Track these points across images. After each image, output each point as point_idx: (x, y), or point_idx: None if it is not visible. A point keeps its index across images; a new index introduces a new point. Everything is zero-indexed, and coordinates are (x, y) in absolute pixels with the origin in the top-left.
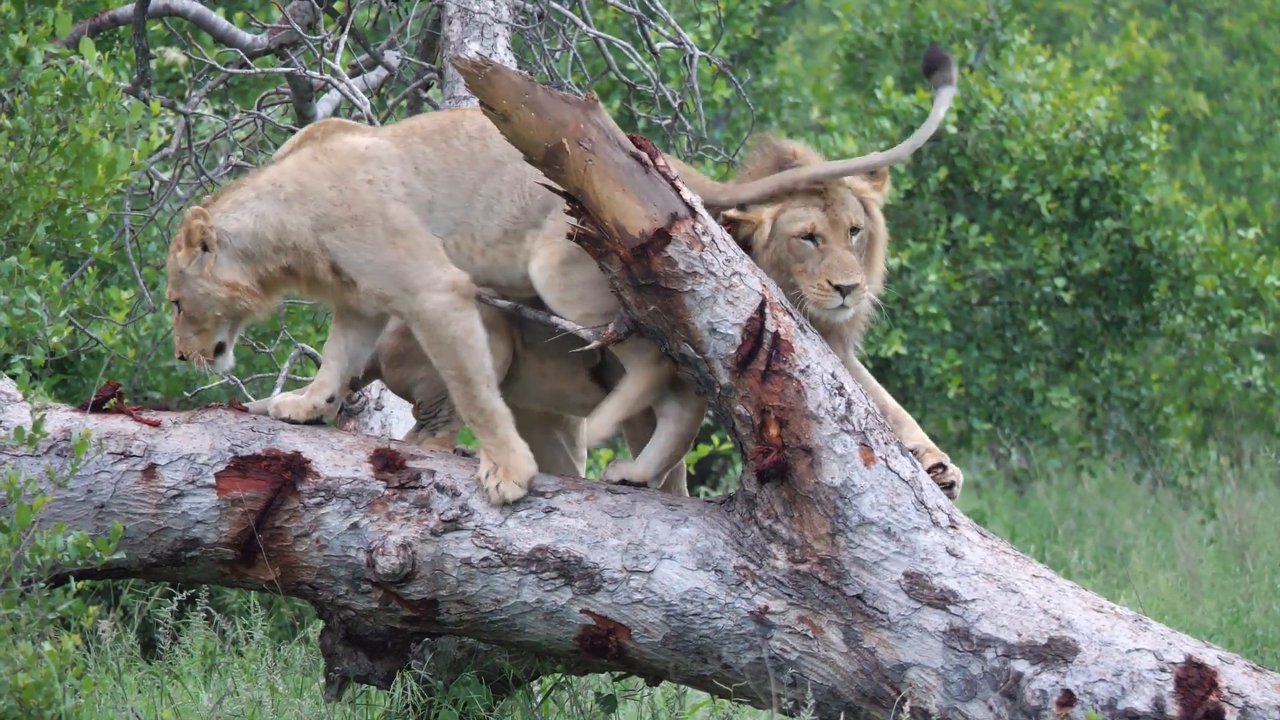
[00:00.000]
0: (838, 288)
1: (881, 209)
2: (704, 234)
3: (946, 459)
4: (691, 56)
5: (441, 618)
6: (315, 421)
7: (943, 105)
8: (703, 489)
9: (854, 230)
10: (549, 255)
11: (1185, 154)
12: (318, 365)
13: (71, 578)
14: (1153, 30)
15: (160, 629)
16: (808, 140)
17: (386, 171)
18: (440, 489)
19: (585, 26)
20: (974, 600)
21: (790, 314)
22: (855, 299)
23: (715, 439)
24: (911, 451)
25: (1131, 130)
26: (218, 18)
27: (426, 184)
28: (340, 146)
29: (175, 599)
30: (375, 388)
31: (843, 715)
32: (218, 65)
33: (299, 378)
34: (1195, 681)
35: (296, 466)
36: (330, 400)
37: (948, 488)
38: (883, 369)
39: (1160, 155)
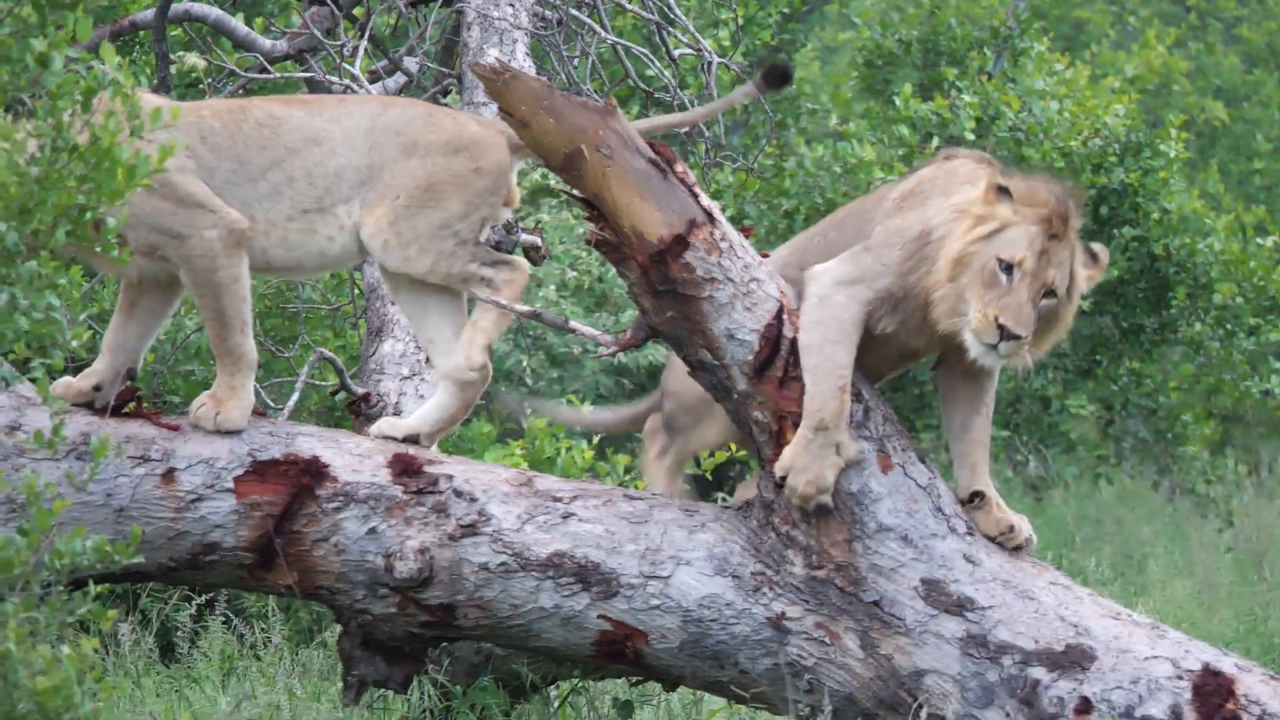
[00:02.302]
0: (1002, 328)
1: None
2: (722, 240)
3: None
4: (710, 63)
5: (459, 623)
6: (86, 405)
7: (739, 94)
8: (720, 495)
9: (1050, 293)
10: (376, 221)
11: (1204, 162)
12: (336, 370)
13: (90, 581)
14: (1171, 38)
15: (179, 633)
16: (826, 147)
17: (169, 132)
18: (458, 494)
19: (604, 33)
20: (991, 607)
21: None
22: (1010, 350)
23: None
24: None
25: (1150, 138)
26: (237, 23)
27: (212, 154)
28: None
29: (194, 603)
30: (394, 392)
31: None
32: (237, 70)
33: (318, 383)
34: (1212, 689)
35: (314, 471)
36: (97, 389)
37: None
38: (900, 376)
39: (1179, 163)
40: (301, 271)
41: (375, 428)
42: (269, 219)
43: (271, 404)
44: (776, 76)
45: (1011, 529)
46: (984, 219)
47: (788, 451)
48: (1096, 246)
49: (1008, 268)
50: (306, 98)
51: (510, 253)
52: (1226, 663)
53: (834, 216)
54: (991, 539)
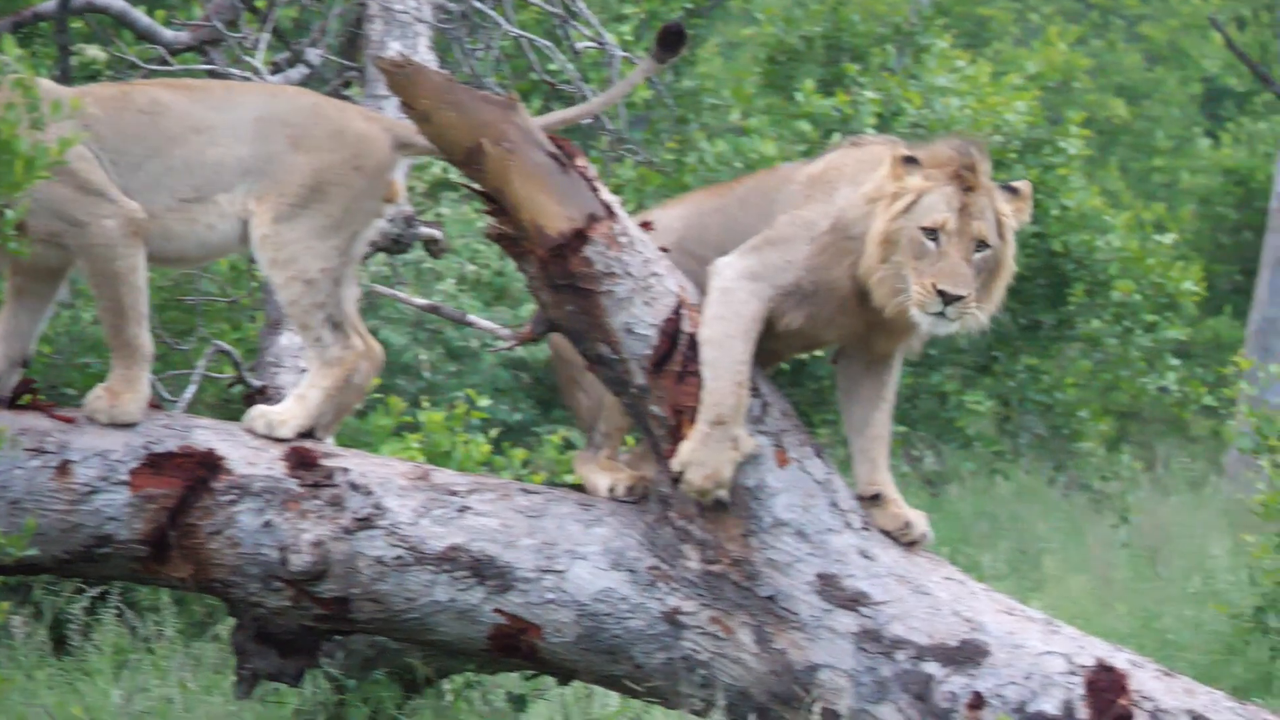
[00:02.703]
0: (942, 294)
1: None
2: (622, 235)
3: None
4: (613, 57)
5: (354, 616)
6: None
7: (638, 74)
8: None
9: (981, 245)
10: (263, 214)
11: (1104, 159)
12: (233, 363)
13: None
14: (1073, 35)
15: (72, 625)
16: (728, 142)
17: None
18: (354, 487)
19: (507, 26)
20: (886, 602)
21: None
22: (958, 312)
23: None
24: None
25: (1050, 135)
26: (139, 14)
27: (94, 142)
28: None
29: (87, 595)
30: (291, 385)
31: (753, 716)
32: (139, 62)
33: (215, 375)
34: (1106, 685)
35: (210, 464)
36: None
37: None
38: (799, 370)
39: (1079, 160)
40: (185, 263)
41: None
42: (150, 209)
43: (168, 396)
44: (671, 39)
45: (908, 525)
46: (898, 194)
47: (685, 446)
48: (1016, 183)
49: (932, 234)
50: (193, 82)
51: (410, 246)
52: (1120, 658)
53: (735, 190)
54: (889, 534)
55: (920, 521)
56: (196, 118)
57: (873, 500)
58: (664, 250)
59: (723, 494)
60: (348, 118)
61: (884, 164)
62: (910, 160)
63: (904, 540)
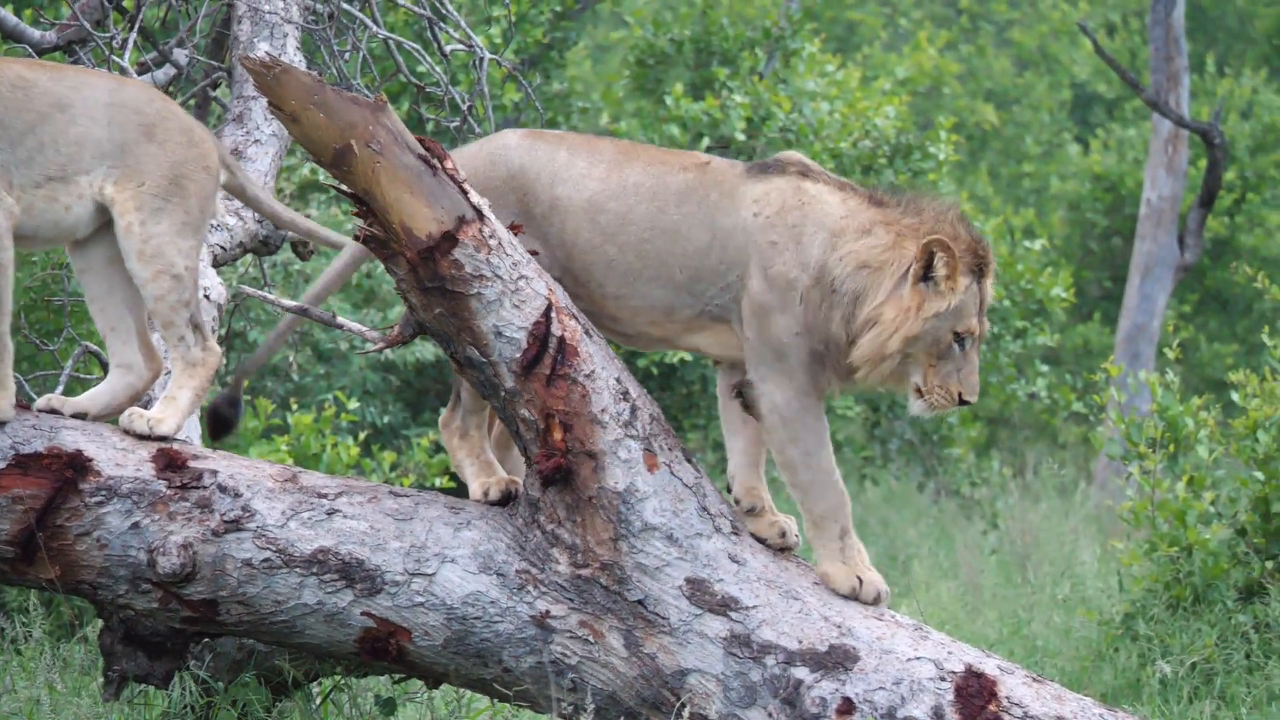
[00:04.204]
0: (963, 401)
1: None
2: (491, 237)
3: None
4: (482, 60)
5: (222, 618)
6: None
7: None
8: None
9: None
10: (124, 202)
11: (974, 164)
12: (101, 364)
13: None
14: (943, 41)
15: None
16: None
17: None
18: (222, 489)
19: (375, 28)
20: (755, 607)
21: (576, 318)
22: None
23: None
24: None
25: (920, 140)
26: (5, 13)
27: None
28: None
29: None
30: (157, 386)
31: None
32: None
33: (83, 376)
34: (975, 691)
35: (78, 465)
36: None
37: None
38: (668, 375)
39: (948, 165)
40: (37, 242)
41: (43, 401)
42: (21, 185)
43: (35, 397)
44: (220, 424)
45: (784, 533)
46: (941, 295)
47: (827, 568)
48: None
49: (960, 339)
50: (48, 63)
51: (278, 248)
52: (989, 664)
53: (667, 180)
54: (761, 540)
55: (791, 527)
56: (58, 95)
57: (749, 511)
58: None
59: (881, 586)
60: (192, 120)
61: (857, 214)
62: (944, 247)
63: (777, 547)
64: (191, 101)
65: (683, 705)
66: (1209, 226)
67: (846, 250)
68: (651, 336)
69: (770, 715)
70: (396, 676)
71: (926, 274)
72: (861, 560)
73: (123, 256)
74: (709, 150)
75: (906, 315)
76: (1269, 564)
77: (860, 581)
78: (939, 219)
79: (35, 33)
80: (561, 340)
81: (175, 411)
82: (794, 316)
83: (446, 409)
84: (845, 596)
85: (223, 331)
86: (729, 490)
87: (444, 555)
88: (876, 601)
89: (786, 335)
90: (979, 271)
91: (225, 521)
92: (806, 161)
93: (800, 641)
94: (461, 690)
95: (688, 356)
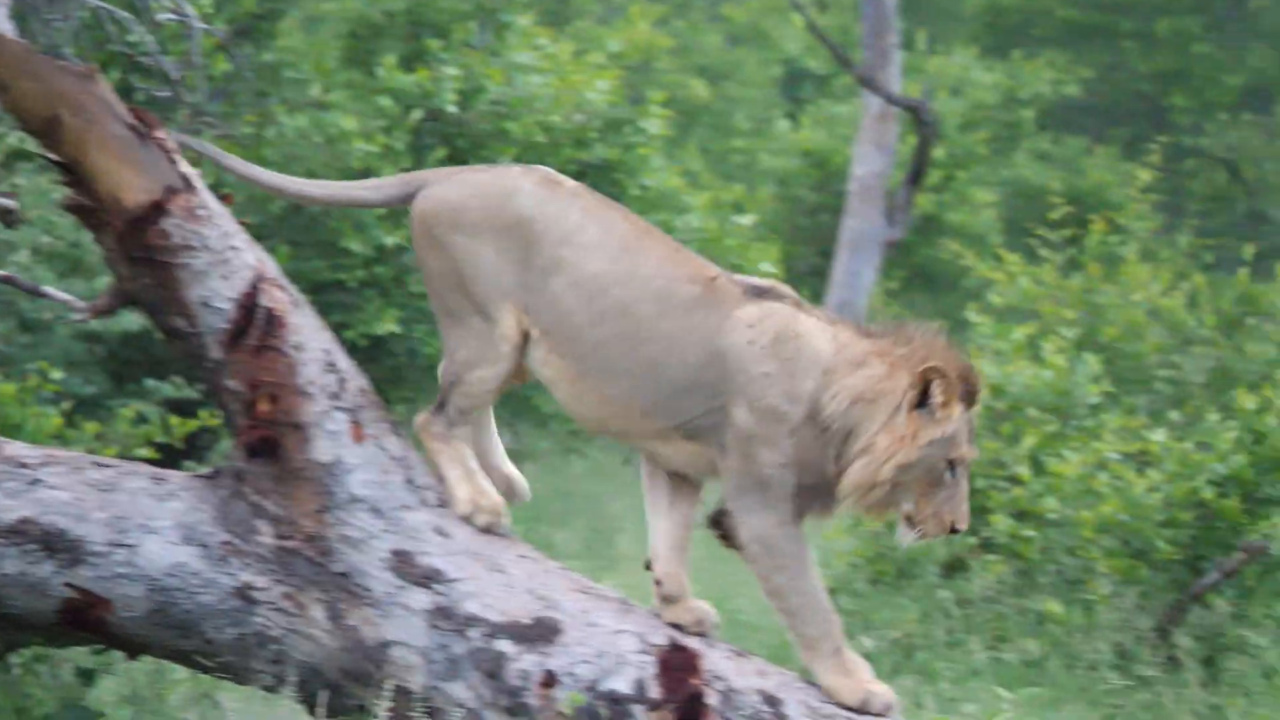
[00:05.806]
0: (954, 531)
1: None
2: (200, 208)
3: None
4: (193, 29)
5: None
6: None
7: None
8: (189, 463)
9: None
10: None
11: (684, 139)
12: None
13: None
14: (655, 15)
15: None
16: (308, 117)
17: None
18: None
19: None
20: (460, 579)
21: (285, 289)
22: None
23: (203, 413)
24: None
25: (631, 114)
26: None
27: None
28: None
29: None
30: None
31: (325, 692)
32: None
33: None
34: (678, 664)
35: None
36: None
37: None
38: (376, 347)
39: (659, 140)
40: None
41: None
42: None
43: None
44: None
45: (699, 620)
46: (937, 422)
47: (831, 683)
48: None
49: (952, 466)
50: None
51: None
52: (692, 639)
53: (675, 291)
54: (677, 627)
55: (710, 615)
56: None
57: (666, 598)
58: None
59: (890, 697)
60: None
61: (871, 362)
62: (941, 374)
63: (696, 634)
64: None
65: (385, 678)
66: (917, 203)
67: (841, 385)
68: (610, 429)
69: (472, 688)
70: (97, 647)
71: (922, 401)
72: (864, 673)
73: None
74: (422, 123)
75: (901, 443)
76: (971, 540)
77: (868, 694)
78: (929, 347)
79: None
80: (270, 311)
81: None
82: (781, 450)
83: (426, 412)
84: (854, 709)
85: None
86: (648, 568)
87: (147, 526)
88: (886, 713)
89: (772, 467)
90: (969, 399)
91: None
92: (795, 294)
93: (504, 614)
94: (162, 661)
95: (396, 328)
